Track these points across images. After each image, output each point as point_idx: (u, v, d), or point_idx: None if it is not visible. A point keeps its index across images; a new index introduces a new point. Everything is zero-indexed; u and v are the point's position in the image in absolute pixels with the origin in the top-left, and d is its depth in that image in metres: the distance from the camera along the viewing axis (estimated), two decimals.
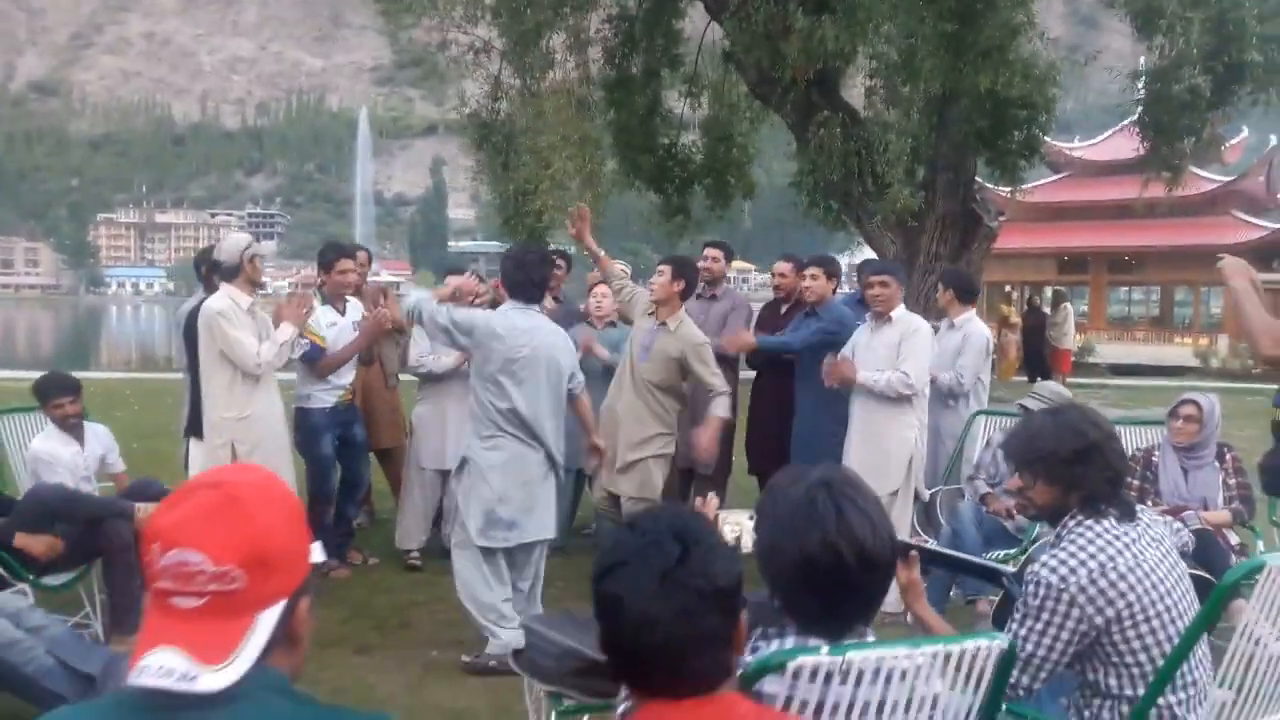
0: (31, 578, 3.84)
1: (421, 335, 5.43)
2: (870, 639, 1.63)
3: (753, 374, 6.36)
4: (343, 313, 5.35)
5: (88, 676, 3.20)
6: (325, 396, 5.26)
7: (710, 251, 6.40)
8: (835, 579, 1.55)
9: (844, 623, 1.61)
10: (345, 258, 5.44)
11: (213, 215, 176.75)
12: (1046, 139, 11.74)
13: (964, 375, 5.36)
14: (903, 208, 10.49)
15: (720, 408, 4.92)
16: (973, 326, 5.53)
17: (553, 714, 2.53)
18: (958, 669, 1.73)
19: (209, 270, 4.79)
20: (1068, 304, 18.61)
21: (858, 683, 1.58)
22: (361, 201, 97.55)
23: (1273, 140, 27.21)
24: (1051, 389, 4.75)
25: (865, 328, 5.01)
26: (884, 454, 4.76)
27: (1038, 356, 17.31)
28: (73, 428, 4.48)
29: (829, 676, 1.56)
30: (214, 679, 1.09)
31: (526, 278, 4.23)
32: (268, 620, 1.15)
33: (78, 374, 4.73)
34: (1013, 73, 9.59)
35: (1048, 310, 18.14)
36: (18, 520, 3.91)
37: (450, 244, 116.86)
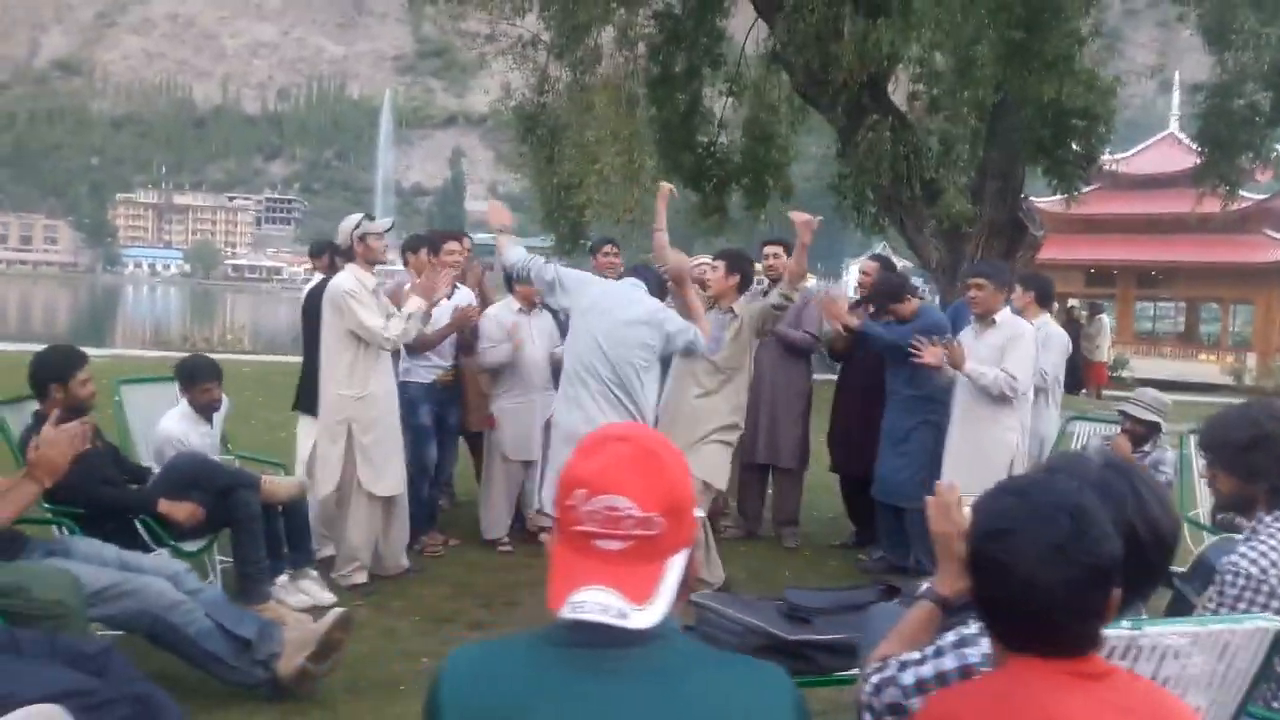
0: (172, 543, 3.94)
1: (493, 330, 5.52)
2: (1144, 616, 1.71)
3: (830, 376, 6.41)
4: (449, 296, 5.45)
5: (243, 639, 3.30)
6: (424, 373, 5.39)
7: (771, 249, 6.32)
8: (1128, 558, 1.61)
9: (1127, 601, 1.67)
10: (452, 240, 5.56)
11: (230, 199, 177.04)
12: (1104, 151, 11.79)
13: (1045, 372, 5.48)
14: (958, 213, 10.54)
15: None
16: (1052, 328, 5.74)
17: None
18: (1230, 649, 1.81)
19: (332, 252, 4.90)
20: (1103, 316, 18.44)
21: (1141, 659, 1.65)
22: (383, 190, 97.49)
23: None
24: (1151, 395, 4.81)
25: (970, 330, 5.08)
26: (983, 455, 4.79)
27: (1072, 368, 17.18)
28: (208, 411, 4.57)
29: (1125, 653, 1.63)
30: (642, 617, 1.18)
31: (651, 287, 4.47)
32: (677, 565, 1.24)
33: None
34: (1077, 83, 9.64)
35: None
36: (160, 488, 4.02)
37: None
